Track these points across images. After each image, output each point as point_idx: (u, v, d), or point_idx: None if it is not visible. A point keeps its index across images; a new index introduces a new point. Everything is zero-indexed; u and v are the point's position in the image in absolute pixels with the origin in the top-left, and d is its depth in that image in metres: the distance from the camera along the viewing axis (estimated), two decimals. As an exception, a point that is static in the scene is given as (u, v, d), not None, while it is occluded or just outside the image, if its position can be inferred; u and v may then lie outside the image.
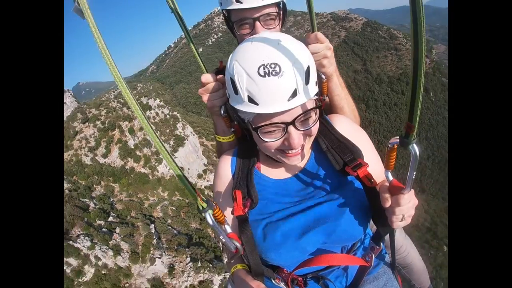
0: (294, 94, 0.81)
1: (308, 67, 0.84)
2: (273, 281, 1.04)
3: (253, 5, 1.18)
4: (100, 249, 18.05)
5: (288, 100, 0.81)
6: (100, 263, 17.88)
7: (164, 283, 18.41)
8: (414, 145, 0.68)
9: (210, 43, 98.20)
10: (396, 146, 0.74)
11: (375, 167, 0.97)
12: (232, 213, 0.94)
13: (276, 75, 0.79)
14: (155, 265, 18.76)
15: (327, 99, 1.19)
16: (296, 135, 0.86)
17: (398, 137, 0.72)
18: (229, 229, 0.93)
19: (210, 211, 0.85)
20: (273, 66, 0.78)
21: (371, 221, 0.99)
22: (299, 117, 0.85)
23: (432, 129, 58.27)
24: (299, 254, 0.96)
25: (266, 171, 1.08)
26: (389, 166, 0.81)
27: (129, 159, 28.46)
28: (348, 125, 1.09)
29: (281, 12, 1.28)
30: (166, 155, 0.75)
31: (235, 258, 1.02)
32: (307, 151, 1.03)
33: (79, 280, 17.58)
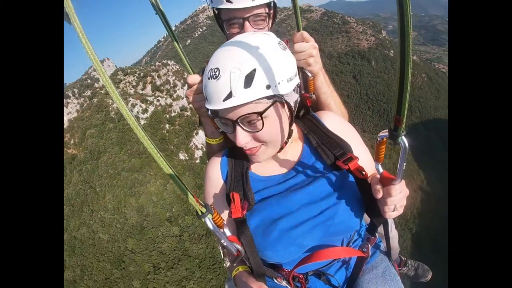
0: (229, 96, 0.96)
1: (253, 71, 0.95)
2: (275, 281, 1.16)
3: (243, 5, 1.32)
4: (161, 97, 46.72)
5: (223, 101, 0.97)
6: (158, 103, 46.46)
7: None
8: (403, 137, 0.77)
9: (197, 35, 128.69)
10: (385, 139, 0.84)
11: (365, 160, 1.12)
12: (230, 215, 1.06)
13: (216, 79, 0.97)
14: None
15: (313, 96, 1.34)
16: (240, 133, 1.02)
17: (387, 130, 0.80)
18: (228, 232, 1.03)
19: (209, 216, 0.94)
20: (215, 70, 0.97)
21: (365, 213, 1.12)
22: (242, 117, 0.99)
23: (372, 88, 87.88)
24: (296, 249, 1.07)
25: (257, 169, 1.22)
26: (379, 159, 0.92)
27: (157, 92, 56.12)
28: (336, 121, 1.25)
29: (271, 12, 1.45)
30: (161, 159, 0.80)
31: (237, 261, 1.11)
32: (264, 153, 1.11)
33: (142, 116, 45.90)
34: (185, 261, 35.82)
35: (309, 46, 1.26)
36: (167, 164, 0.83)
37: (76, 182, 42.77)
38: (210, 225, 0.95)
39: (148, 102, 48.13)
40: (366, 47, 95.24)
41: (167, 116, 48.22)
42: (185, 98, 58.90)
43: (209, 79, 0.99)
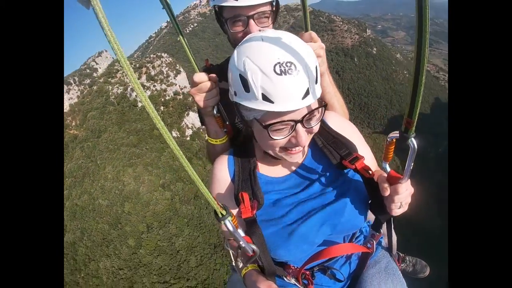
0: (307, 93, 0.95)
1: (316, 67, 0.99)
2: (285, 279, 1.25)
3: (248, 3, 1.35)
4: (156, 83, 54.64)
5: (302, 99, 0.94)
6: (154, 88, 54.42)
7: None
8: (413, 139, 0.84)
9: (188, 31, 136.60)
10: (394, 140, 0.90)
11: (368, 158, 1.19)
12: (240, 216, 1.11)
13: (292, 74, 0.91)
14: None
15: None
16: (303, 132, 1.02)
17: (397, 131, 0.86)
18: (242, 233, 1.07)
19: (229, 218, 0.99)
20: (288, 65, 0.91)
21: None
22: (307, 115, 1.00)
23: (353, 83, 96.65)
24: (307, 247, 1.15)
25: (265, 170, 1.26)
26: (387, 158, 0.99)
27: (152, 81, 63.61)
28: (340, 121, 1.31)
29: (274, 10, 1.48)
30: (188, 165, 0.85)
31: (251, 261, 1.15)
32: (306, 148, 1.19)
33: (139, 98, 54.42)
34: (175, 220, 43.19)
35: (317, 46, 1.30)
36: (195, 174, 0.88)
37: (78, 157, 49.76)
38: (230, 227, 0.99)
39: (145, 87, 56.18)
40: (350, 45, 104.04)
41: (162, 99, 56.22)
42: (178, 84, 66.72)
43: (281, 74, 0.91)
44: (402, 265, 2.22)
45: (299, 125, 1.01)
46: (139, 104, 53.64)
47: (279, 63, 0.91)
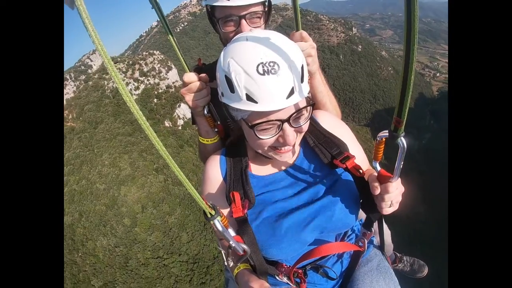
0: (292, 92, 0.96)
1: (302, 66, 1.01)
2: (277, 277, 1.28)
3: (240, 3, 1.39)
4: (150, 78, 60.17)
5: (286, 98, 0.96)
6: (148, 82, 59.77)
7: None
8: (402, 138, 0.87)
9: (178, 30, 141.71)
10: (384, 139, 0.93)
11: (359, 158, 1.23)
12: (231, 215, 1.14)
13: (275, 74, 0.93)
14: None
15: (310, 95, 1.30)
16: (290, 132, 1.05)
17: (387, 130, 0.88)
18: (233, 233, 1.09)
19: (219, 218, 1.01)
20: (271, 64, 0.93)
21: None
22: (294, 114, 1.02)
23: (338, 79, 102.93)
24: (299, 246, 1.18)
25: (256, 169, 1.30)
26: (377, 157, 1.01)
27: (145, 76, 68.77)
28: (331, 121, 1.34)
29: (267, 10, 1.52)
30: (174, 165, 0.87)
31: (241, 260, 1.17)
32: (297, 148, 1.22)
33: (135, 92, 59.09)
34: (168, 200, 47.99)
35: (308, 45, 1.33)
36: (183, 176, 0.90)
37: (75, 147, 54.20)
38: (219, 227, 1.00)
39: (139, 81, 61.41)
40: (335, 43, 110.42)
41: (155, 92, 61.34)
42: (170, 78, 70.88)
43: (263, 74, 0.94)
44: (399, 265, 2.29)
45: (286, 125, 1.03)
46: (134, 97, 58.33)
47: (262, 63, 0.94)
